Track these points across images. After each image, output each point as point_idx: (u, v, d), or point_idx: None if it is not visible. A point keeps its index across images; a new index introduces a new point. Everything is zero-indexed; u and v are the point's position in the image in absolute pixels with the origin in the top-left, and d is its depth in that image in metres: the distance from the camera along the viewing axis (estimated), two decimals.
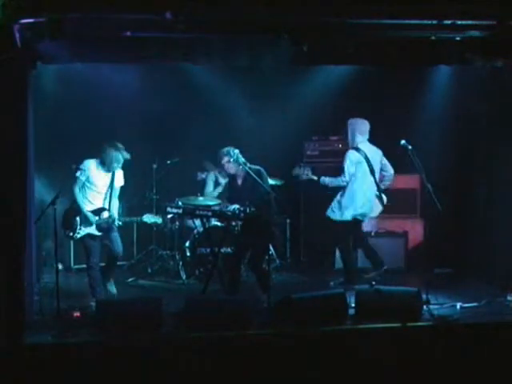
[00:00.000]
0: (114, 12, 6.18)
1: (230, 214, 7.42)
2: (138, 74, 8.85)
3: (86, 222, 7.36)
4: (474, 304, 7.15)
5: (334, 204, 8.16)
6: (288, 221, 9.54)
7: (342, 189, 8.12)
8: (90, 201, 7.43)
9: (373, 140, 8.23)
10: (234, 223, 7.84)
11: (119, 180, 7.57)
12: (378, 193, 8.23)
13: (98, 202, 7.47)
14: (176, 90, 9.15)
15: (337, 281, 8.21)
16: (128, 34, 6.55)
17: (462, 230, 8.99)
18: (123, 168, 7.59)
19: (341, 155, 8.50)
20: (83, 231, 7.38)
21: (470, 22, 6.72)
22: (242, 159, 7.46)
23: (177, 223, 9.04)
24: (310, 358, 6.09)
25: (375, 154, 8.20)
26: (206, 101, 9.38)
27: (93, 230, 7.39)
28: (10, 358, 5.80)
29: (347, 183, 8.07)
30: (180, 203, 8.34)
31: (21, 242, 6.30)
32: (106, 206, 7.47)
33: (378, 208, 8.33)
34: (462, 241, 8.96)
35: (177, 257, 8.93)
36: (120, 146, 7.38)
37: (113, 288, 7.70)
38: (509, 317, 6.91)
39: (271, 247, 8.53)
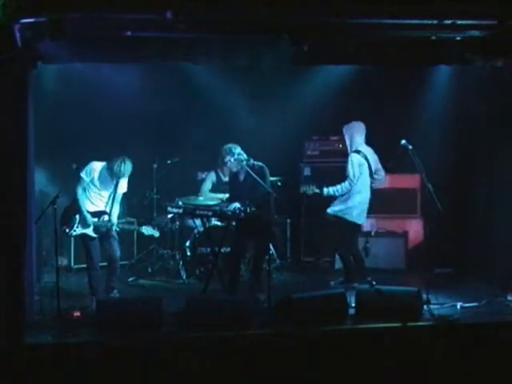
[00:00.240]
0: (114, 12, 6.17)
1: (230, 213, 7.42)
2: (138, 74, 8.86)
3: (84, 222, 7.37)
4: (475, 304, 7.14)
5: (336, 202, 8.14)
6: (288, 220, 9.55)
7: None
8: (92, 202, 7.45)
9: (373, 140, 8.23)
10: (234, 223, 7.84)
11: (123, 187, 7.57)
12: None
13: (99, 205, 7.48)
14: (176, 90, 9.17)
15: (337, 280, 8.21)
16: (128, 33, 6.55)
17: (462, 230, 8.99)
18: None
19: (341, 155, 8.48)
20: (79, 230, 7.39)
21: (470, 22, 6.71)
22: (244, 156, 7.46)
23: (177, 223, 9.04)
24: (310, 358, 6.08)
25: (373, 155, 8.20)
26: (206, 101, 9.40)
27: (89, 231, 7.39)
28: (10, 357, 5.79)
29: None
30: (180, 203, 8.36)
31: (21, 241, 6.28)
32: (108, 210, 7.48)
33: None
34: (462, 241, 8.96)
35: (177, 256, 8.94)
36: (129, 161, 7.33)
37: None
38: (509, 317, 6.90)
39: (272, 247, 8.54)
